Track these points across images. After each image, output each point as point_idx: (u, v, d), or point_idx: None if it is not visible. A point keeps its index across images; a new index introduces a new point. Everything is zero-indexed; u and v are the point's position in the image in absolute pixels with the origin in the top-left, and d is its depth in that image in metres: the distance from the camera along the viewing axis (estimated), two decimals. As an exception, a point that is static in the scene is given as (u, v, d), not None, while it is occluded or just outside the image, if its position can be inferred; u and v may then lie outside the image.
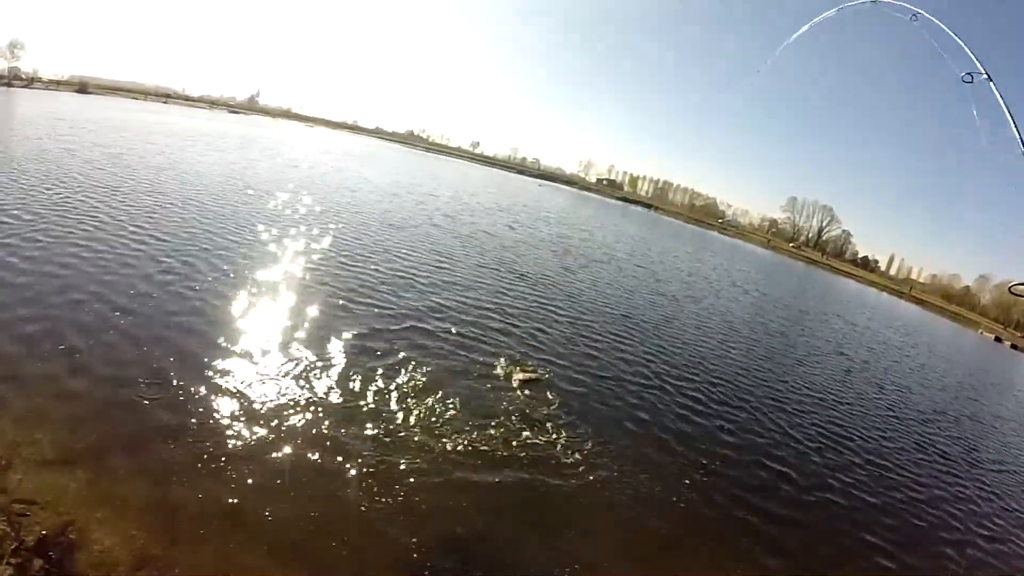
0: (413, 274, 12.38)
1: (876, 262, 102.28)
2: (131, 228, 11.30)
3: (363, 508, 4.91)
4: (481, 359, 8.49)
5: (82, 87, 43.58)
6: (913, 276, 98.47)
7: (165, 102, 54.82)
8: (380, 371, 7.32)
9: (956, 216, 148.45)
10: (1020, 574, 6.01)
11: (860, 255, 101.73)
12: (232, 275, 9.95)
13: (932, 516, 7.69)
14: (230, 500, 4.69)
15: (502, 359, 8.60)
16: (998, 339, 56.71)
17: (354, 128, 79.57)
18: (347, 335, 8.30)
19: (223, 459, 5.14)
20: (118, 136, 26.43)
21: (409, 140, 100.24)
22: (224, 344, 7.30)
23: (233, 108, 68.34)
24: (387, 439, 5.98)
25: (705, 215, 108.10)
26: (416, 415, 6.46)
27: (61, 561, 3.62)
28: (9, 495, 4.09)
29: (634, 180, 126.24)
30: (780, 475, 7.51)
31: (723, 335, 14.78)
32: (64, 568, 3.58)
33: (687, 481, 6.70)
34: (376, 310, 9.56)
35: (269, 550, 4.29)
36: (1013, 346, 54.20)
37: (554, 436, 6.76)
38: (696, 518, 6.12)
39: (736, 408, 9.43)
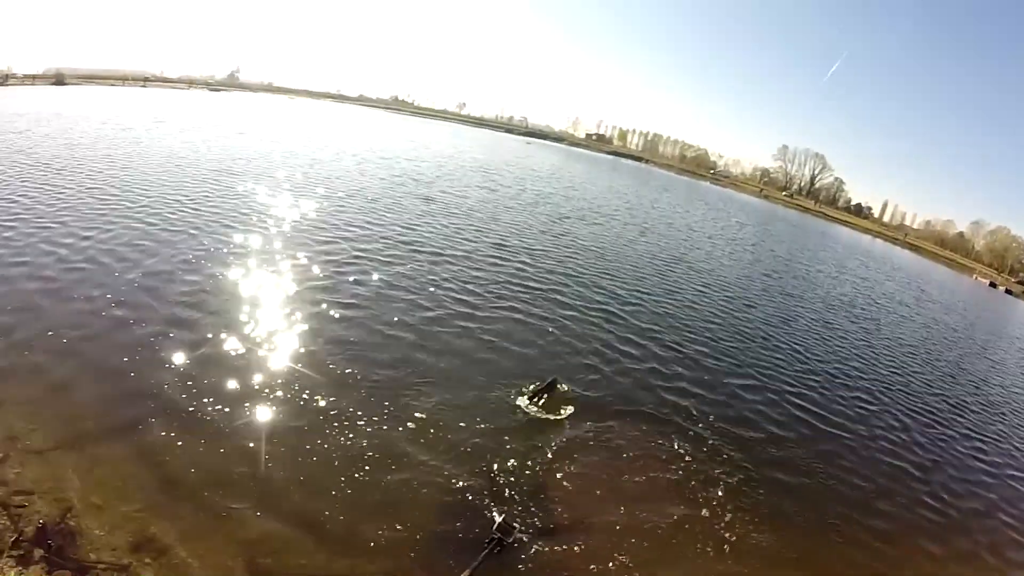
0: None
1: (870, 209, 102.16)
2: (96, 203, 11.28)
3: (356, 471, 5.13)
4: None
5: (59, 79, 42.55)
6: (907, 222, 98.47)
7: (144, 85, 53.21)
8: (387, 350, 7.47)
9: (950, 161, 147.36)
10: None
11: (853, 202, 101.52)
12: (218, 250, 10.00)
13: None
14: (226, 472, 4.87)
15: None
16: (993, 284, 57.61)
17: (337, 97, 77.37)
18: (344, 308, 8.42)
19: (217, 433, 5.32)
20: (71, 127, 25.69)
21: (394, 106, 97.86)
22: (213, 321, 7.41)
23: (214, 86, 66.32)
24: (374, 401, 6.22)
25: (697, 166, 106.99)
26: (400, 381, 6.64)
27: (62, 549, 3.77)
28: (8, 487, 4.23)
29: (623, 134, 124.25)
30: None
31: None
32: (65, 555, 3.73)
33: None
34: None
35: (264, 520, 4.48)
36: (1008, 291, 55.22)
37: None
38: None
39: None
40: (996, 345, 20.41)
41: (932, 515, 6.87)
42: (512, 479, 5.54)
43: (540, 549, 4.80)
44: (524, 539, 4.81)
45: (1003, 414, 11.60)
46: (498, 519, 4.79)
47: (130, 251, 9.30)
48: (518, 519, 4.90)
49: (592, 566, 4.78)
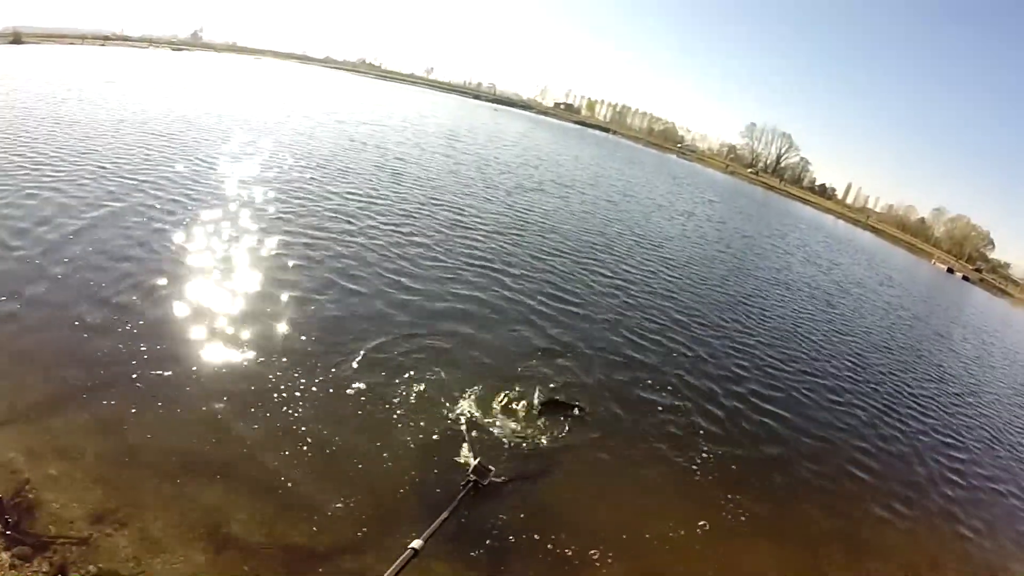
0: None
1: (833, 190, 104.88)
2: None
3: (314, 441, 5.19)
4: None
5: (16, 38, 39.70)
6: (870, 205, 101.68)
7: (103, 45, 49.76)
8: (348, 318, 7.45)
9: (915, 148, 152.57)
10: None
11: (818, 183, 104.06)
12: (173, 213, 9.73)
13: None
14: (185, 439, 4.89)
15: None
16: (950, 270, 60.49)
17: (303, 58, 73.82)
18: (303, 274, 8.40)
19: (176, 402, 5.30)
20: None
21: (361, 68, 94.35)
22: (172, 286, 7.31)
23: (176, 46, 62.54)
24: (335, 371, 6.26)
25: (664, 139, 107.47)
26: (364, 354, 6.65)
27: (19, 524, 3.76)
28: (-39, 463, 4.14)
29: (592, 104, 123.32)
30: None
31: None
32: (22, 529, 3.73)
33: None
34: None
35: (226, 486, 4.54)
36: (964, 277, 58.22)
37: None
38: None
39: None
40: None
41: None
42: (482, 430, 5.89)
43: (516, 490, 5.12)
44: (499, 481, 5.00)
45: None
46: (473, 462, 4.92)
47: (62, 215, 8.93)
48: (492, 464, 5.09)
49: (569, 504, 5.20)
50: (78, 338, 5.92)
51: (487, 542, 4.60)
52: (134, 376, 5.49)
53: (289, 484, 4.69)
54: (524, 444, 5.85)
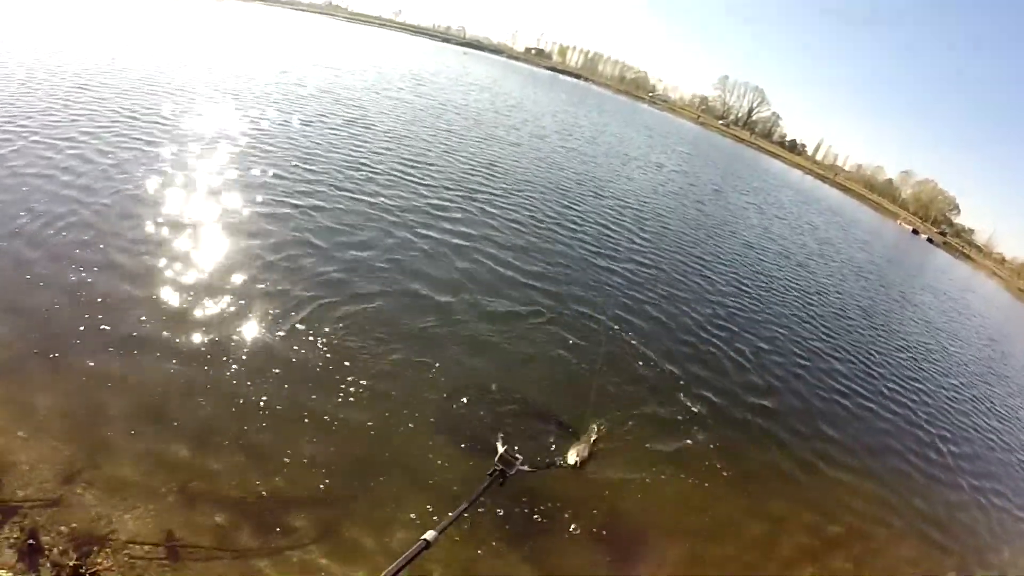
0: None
1: (803, 146, 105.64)
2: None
3: (292, 398, 5.25)
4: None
5: None
6: (839, 163, 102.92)
7: None
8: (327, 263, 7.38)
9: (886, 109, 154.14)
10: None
11: (788, 138, 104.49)
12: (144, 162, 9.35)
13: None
14: (157, 399, 4.90)
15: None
16: (915, 231, 62.33)
17: (267, 0, 68.76)
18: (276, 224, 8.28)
19: (143, 357, 5.28)
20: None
21: (327, 11, 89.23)
22: (141, 236, 7.22)
23: None
24: (305, 328, 6.26)
25: (636, 88, 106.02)
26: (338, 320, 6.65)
27: (-12, 490, 3.75)
28: (-78, 428, 4.08)
29: (563, 50, 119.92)
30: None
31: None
32: (-9, 495, 3.72)
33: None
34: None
35: (198, 442, 4.61)
36: (929, 239, 60.08)
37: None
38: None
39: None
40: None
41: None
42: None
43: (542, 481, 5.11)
44: (526, 470, 4.62)
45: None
46: (500, 449, 4.49)
47: None
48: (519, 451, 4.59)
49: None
50: (48, 297, 5.74)
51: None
52: (103, 332, 5.41)
53: (264, 438, 4.79)
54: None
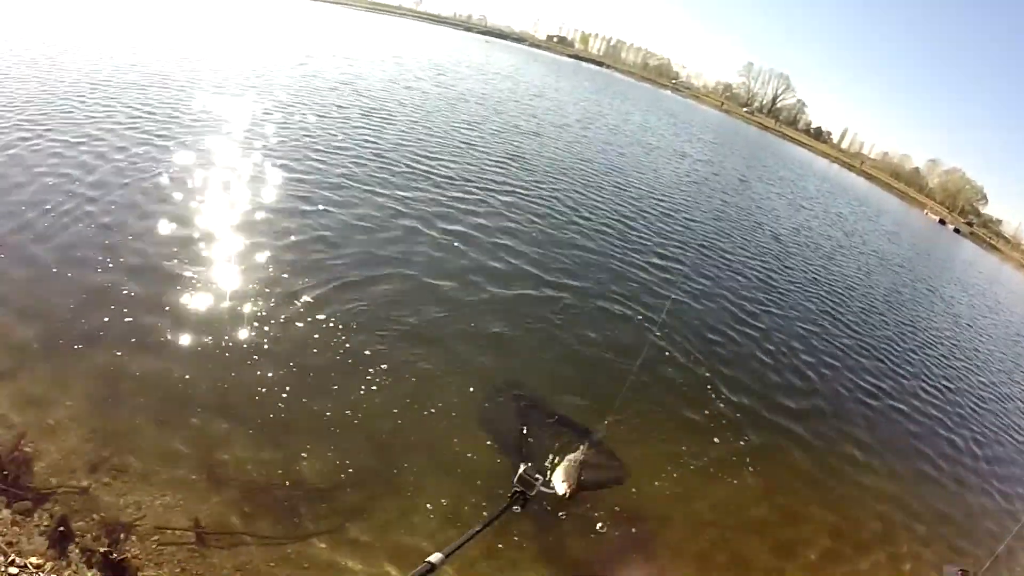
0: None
1: (829, 134, 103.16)
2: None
3: (319, 384, 5.28)
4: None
5: None
6: (865, 151, 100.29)
7: None
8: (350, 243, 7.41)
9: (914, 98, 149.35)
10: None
11: (813, 126, 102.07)
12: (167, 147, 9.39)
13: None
14: (178, 389, 4.94)
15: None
16: (942, 221, 60.77)
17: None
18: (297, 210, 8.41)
19: (174, 349, 5.35)
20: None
21: (346, 0, 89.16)
22: (159, 232, 7.24)
23: None
24: (325, 308, 6.35)
25: (659, 75, 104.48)
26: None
27: (18, 478, 3.83)
28: (-44, 420, 4.17)
29: (585, 38, 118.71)
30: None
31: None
32: (22, 483, 3.81)
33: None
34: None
35: (226, 428, 4.66)
36: (956, 230, 58.54)
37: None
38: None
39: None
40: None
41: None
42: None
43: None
44: (548, 491, 4.42)
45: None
46: (520, 468, 4.21)
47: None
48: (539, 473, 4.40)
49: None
50: (76, 287, 5.83)
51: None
52: (134, 326, 5.47)
53: (288, 427, 4.82)
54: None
